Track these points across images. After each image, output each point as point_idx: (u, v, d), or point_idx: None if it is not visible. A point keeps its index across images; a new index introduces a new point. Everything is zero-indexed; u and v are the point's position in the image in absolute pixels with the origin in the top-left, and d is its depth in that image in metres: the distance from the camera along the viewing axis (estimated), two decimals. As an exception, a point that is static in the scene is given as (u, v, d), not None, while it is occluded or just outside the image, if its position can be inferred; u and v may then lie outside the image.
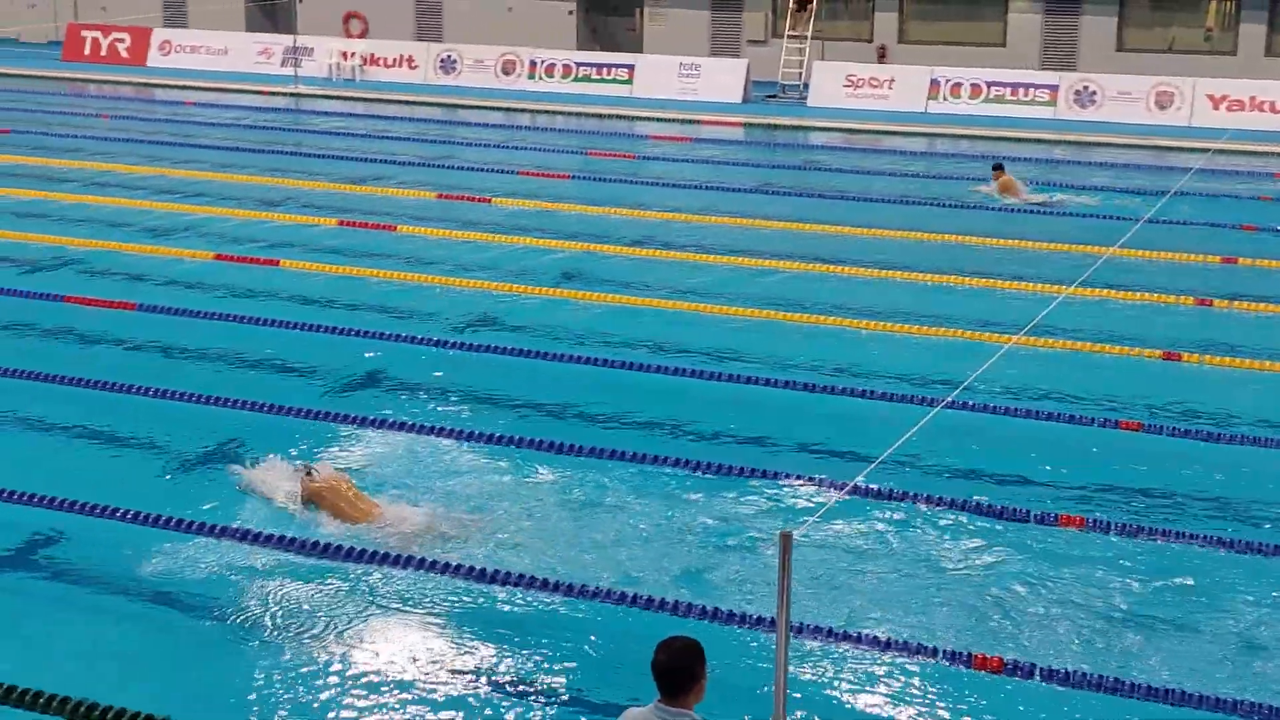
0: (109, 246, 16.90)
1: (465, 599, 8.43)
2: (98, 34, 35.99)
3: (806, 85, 31.00)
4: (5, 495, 9.59)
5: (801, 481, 10.18)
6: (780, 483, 10.18)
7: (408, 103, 30.06)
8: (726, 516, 9.67)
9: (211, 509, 9.57)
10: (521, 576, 8.56)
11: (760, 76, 32.13)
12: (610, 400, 12.08)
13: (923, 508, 9.76)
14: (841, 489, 9.91)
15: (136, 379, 11.99)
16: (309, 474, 9.68)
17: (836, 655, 7.85)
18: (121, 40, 35.72)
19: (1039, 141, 25.99)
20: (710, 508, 9.78)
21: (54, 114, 27.95)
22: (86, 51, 35.68)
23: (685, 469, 10.38)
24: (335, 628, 8.07)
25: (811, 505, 9.81)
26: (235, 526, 9.22)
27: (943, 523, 9.60)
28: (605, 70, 32.19)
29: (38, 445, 10.87)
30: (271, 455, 10.24)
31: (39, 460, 10.53)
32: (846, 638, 7.96)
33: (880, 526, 9.56)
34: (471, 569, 8.66)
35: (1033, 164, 23.66)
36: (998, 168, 20.95)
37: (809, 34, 31.58)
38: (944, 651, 7.81)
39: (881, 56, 32.68)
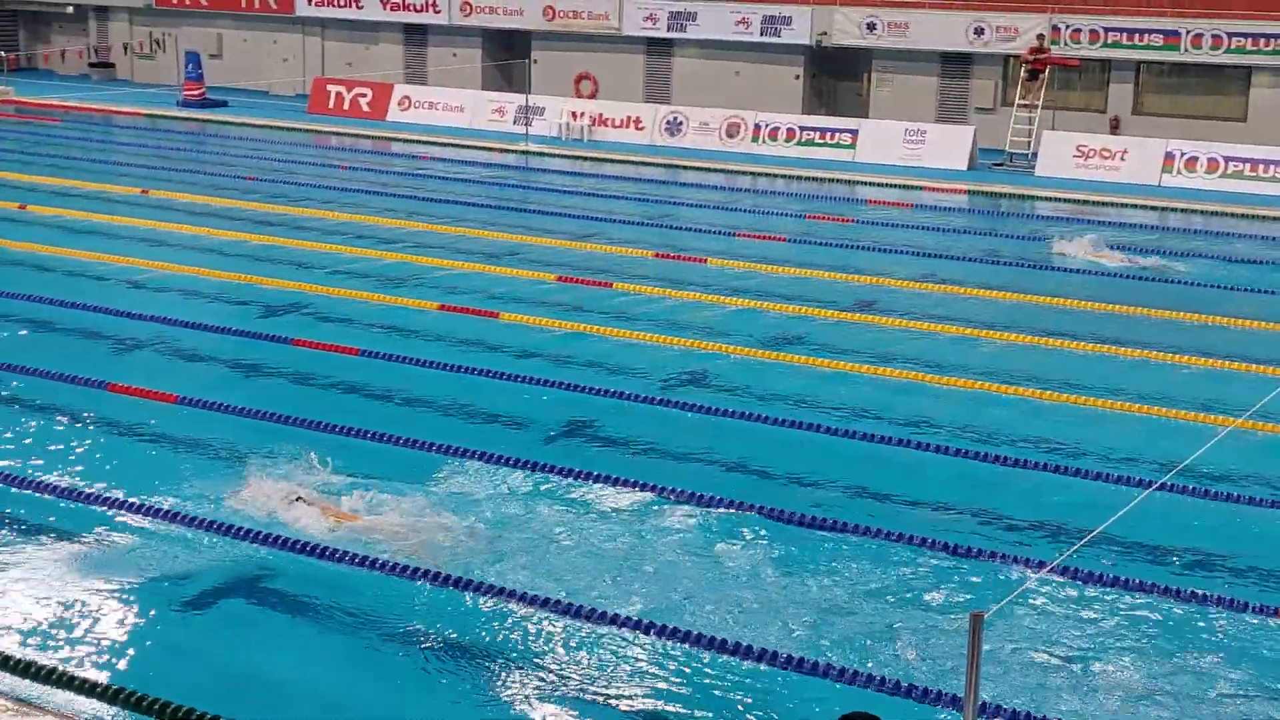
0: (339, 293, 17.56)
1: (657, 662, 8.44)
2: (342, 89, 37.61)
3: (1035, 154, 30.44)
4: (220, 527, 10.02)
5: (997, 558, 9.93)
6: (976, 558, 9.95)
7: (632, 162, 30.57)
8: (917, 589, 9.48)
9: (436, 558, 9.81)
10: (713, 640, 8.54)
11: (987, 144, 31.70)
12: (814, 465, 12.00)
13: (1124, 593, 9.41)
14: (1039, 568, 9.62)
15: (355, 422, 12.41)
16: (299, 500, 10.35)
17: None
18: (364, 95, 37.25)
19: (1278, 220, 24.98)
20: (902, 579, 9.62)
21: (297, 164, 29.25)
22: (331, 105, 37.30)
23: (880, 538, 10.24)
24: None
25: (1006, 581, 9.55)
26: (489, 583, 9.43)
27: (1145, 609, 9.23)
28: (829, 134, 32.18)
29: (257, 478, 11.28)
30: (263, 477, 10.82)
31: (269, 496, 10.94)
32: (1043, 723, 7.72)
33: (1077, 608, 9.25)
34: (665, 628, 8.69)
35: (1272, 243, 22.73)
36: None
37: (1039, 103, 31.03)
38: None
39: (1114, 128, 31.89)
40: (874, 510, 10.99)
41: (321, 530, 10.09)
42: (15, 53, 44.88)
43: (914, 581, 9.61)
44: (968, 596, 9.37)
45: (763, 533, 10.35)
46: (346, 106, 37.14)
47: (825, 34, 34.14)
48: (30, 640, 8.56)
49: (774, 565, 9.83)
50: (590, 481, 11.24)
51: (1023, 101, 31.23)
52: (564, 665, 8.40)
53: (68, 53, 44.90)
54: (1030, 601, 9.27)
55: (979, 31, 32.69)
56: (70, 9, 44.69)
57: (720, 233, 22.59)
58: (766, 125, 32.71)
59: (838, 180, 28.81)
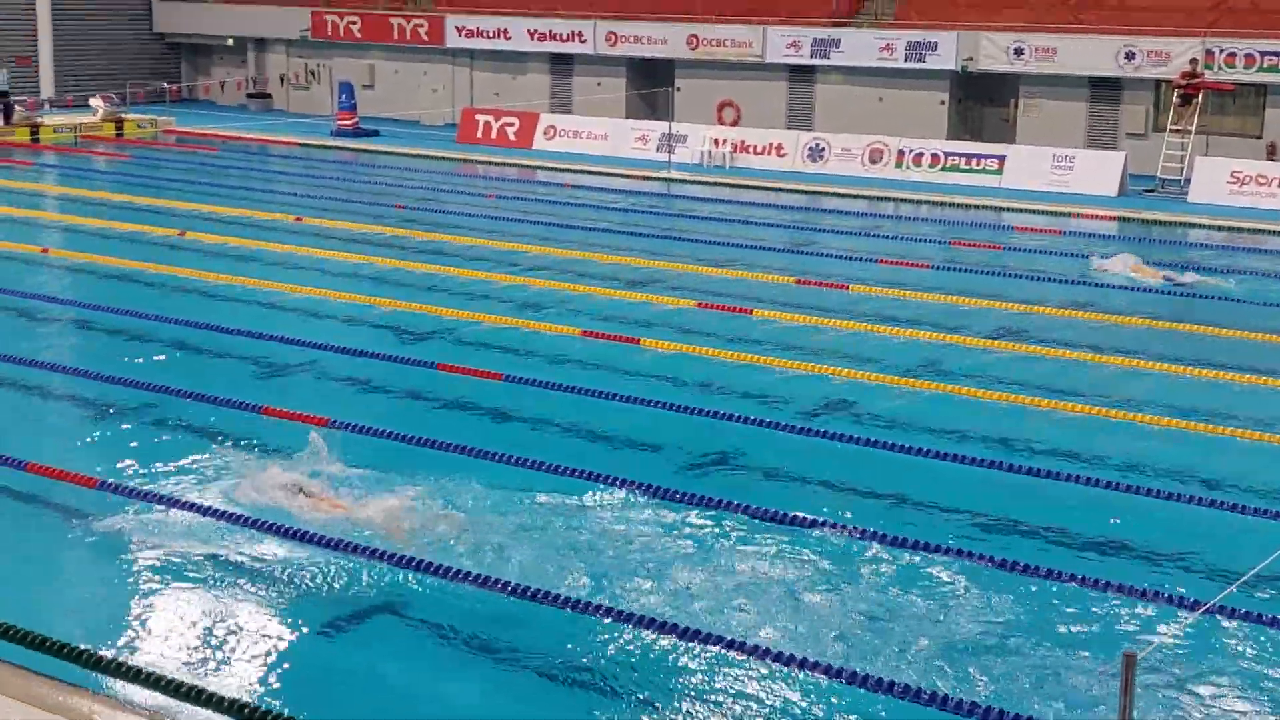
0: (485, 319, 17.84)
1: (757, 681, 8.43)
2: (489, 118, 38.25)
3: (1187, 180, 29.74)
4: (374, 553, 10.24)
5: (1149, 596, 9.70)
6: (1126, 596, 9.73)
7: (774, 189, 30.55)
8: (1064, 626, 9.30)
9: (575, 583, 9.91)
10: (855, 674, 8.49)
11: (1138, 170, 31.05)
12: (956, 495, 11.86)
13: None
14: (1194, 608, 9.38)
15: (500, 447, 12.59)
16: (303, 493, 11.03)
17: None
18: (511, 124, 37.83)
19: None
20: (1047, 615, 9.44)
21: (446, 192, 29.81)
22: (479, 134, 37.95)
23: (1025, 574, 10.06)
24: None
25: (1156, 619, 9.33)
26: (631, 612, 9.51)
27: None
28: (975, 160, 31.83)
29: (402, 503, 11.50)
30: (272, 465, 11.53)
31: (412, 520, 11.14)
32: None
33: (1234, 652, 8.99)
34: (805, 661, 8.67)
35: None
36: None
37: (1193, 128, 30.31)
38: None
39: (1271, 154, 31.00)
40: (1014, 543, 10.82)
41: (313, 518, 10.71)
42: (177, 84, 46.50)
43: (1060, 617, 9.43)
44: (1115, 632, 9.17)
45: (905, 565, 10.26)
46: (494, 135, 37.75)
47: (971, 59, 33.79)
48: (182, 658, 8.83)
49: (917, 598, 9.73)
50: (731, 510, 11.24)
51: (1175, 127, 30.54)
52: (692, 692, 8.42)
53: (227, 84, 46.39)
54: (1179, 640, 9.05)
55: (1130, 56, 32.06)
56: (230, 41, 46.18)
57: (863, 259, 22.47)
58: (910, 151, 32.47)
59: (984, 206, 28.45)
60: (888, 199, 29.73)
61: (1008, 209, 28.29)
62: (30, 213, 26.41)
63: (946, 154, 32.23)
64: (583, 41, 38.92)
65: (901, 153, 32.56)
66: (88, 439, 12.85)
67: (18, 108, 37.32)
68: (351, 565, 10.10)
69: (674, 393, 14.74)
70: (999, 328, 17.82)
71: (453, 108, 41.16)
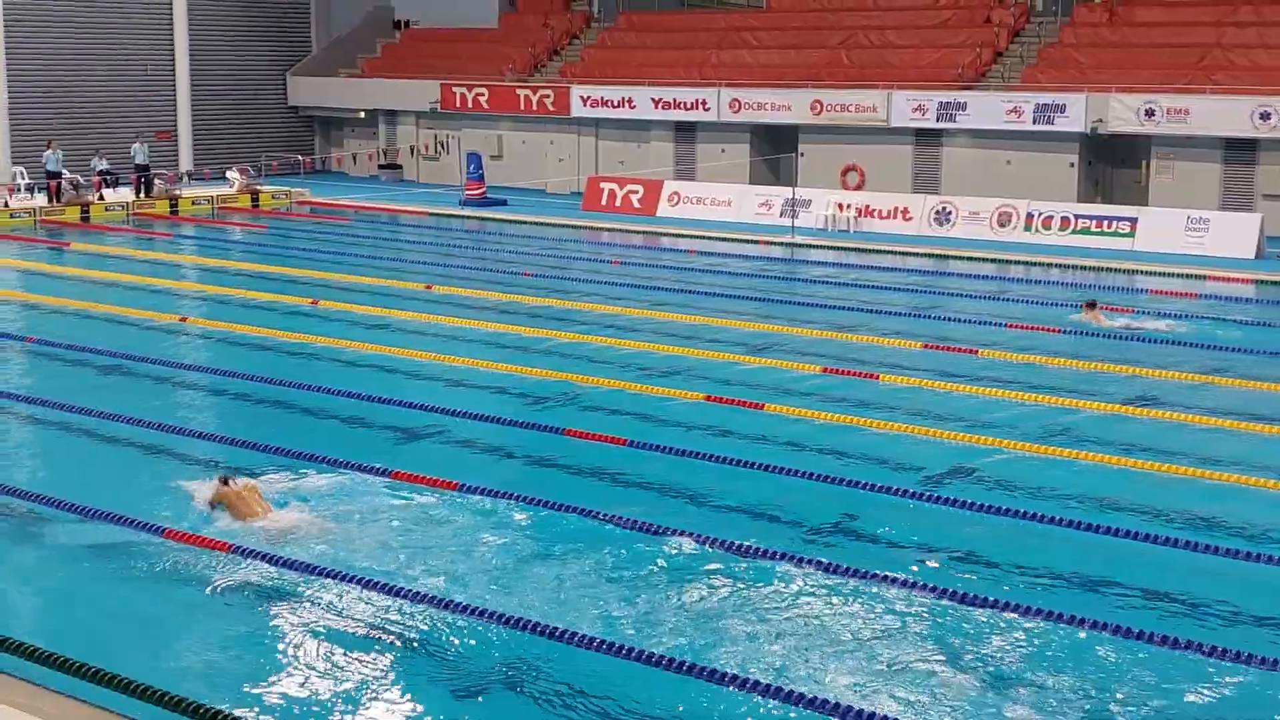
0: (609, 384, 17.93)
1: None
2: (614, 185, 38.65)
3: (1329, 241, 28.98)
4: (495, 616, 10.30)
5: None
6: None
7: (899, 253, 30.37)
8: (1218, 703, 9.01)
9: (701, 644, 9.86)
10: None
11: (1277, 232, 30.30)
12: (1088, 564, 11.59)
13: None
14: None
15: (624, 511, 12.61)
16: (225, 482, 12.61)
17: None
18: (635, 191, 38.18)
19: None
20: (1198, 692, 9.16)
21: (571, 259, 30.12)
22: (603, 201, 38.35)
23: (1167, 646, 9.78)
24: None
25: None
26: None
27: None
28: (1106, 223, 31.35)
29: (528, 567, 11.56)
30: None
31: (540, 582, 11.21)
32: None
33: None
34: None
35: None
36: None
37: (1333, 187, 29.57)
38: None
39: None
40: (1148, 617, 10.52)
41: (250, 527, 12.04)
42: (311, 156, 47.76)
43: (1213, 691, 9.14)
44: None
45: (1035, 636, 10.04)
46: (618, 203, 38.12)
47: (1101, 121, 33.36)
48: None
49: (1049, 673, 9.50)
50: (854, 577, 11.11)
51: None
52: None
53: (359, 155, 47.55)
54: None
55: (1265, 116, 31.39)
56: (362, 114, 47.36)
57: (991, 323, 22.19)
58: (1040, 214, 32.10)
59: (1115, 269, 27.96)
60: (1017, 262, 29.37)
61: (1141, 272, 27.76)
62: (169, 282, 27.23)
63: (1077, 216, 31.78)
64: (706, 109, 39.21)
65: (1030, 215, 32.20)
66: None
67: (158, 181, 38.59)
68: (473, 629, 10.17)
69: (798, 458, 14.65)
70: (1134, 394, 17.44)
71: (578, 176, 41.68)
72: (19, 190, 37.03)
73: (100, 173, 37.67)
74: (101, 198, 37.01)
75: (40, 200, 36.25)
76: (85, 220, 35.60)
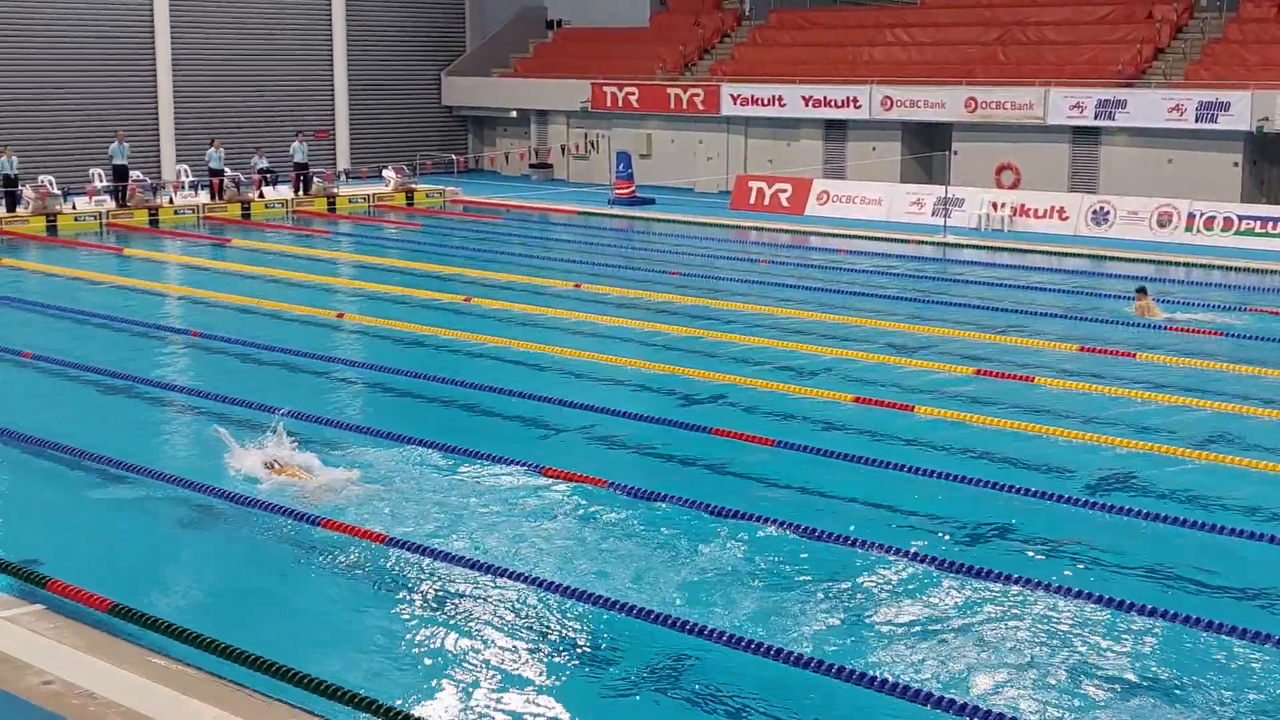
0: (756, 384, 17.89)
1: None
2: (763, 184, 38.55)
3: None
4: (638, 612, 10.35)
5: None
6: None
7: (1055, 253, 29.78)
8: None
9: (850, 647, 9.81)
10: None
11: None
12: (1249, 575, 11.24)
13: None
14: None
15: (770, 512, 12.57)
16: (273, 467, 13.64)
17: None
18: (784, 190, 38.04)
19: None
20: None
21: (719, 258, 30.11)
22: (751, 200, 38.27)
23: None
24: None
25: None
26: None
27: None
28: (1272, 224, 30.39)
29: (675, 566, 11.60)
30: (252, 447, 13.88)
31: (687, 581, 11.24)
32: None
33: None
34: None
35: None
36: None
37: None
38: None
39: None
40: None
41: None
42: (464, 155, 48.49)
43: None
44: None
45: (1189, 647, 9.77)
46: (767, 202, 38.01)
47: (1266, 119, 32.31)
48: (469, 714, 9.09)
49: (1204, 685, 9.24)
50: (1007, 583, 10.93)
51: None
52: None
53: (510, 154, 48.15)
54: None
55: None
56: (514, 114, 47.95)
57: (1150, 326, 21.63)
58: (1202, 214, 31.23)
59: (1281, 272, 27.09)
60: (1177, 264, 28.61)
61: (1308, 274, 26.87)
62: (327, 279, 27.87)
63: (1241, 217, 30.86)
64: (857, 107, 38.88)
65: (1192, 216, 31.34)
66: (379, 499, 13.39)
67: (316, 179, 39.54)
68: (620, 626, 10.24)
69: (949, 461, 14.45)
70: (1299, 399, 16.89)
71: (726, 175, 41.66)
72: (183, 188, 38.24)
73: (261, 171, 38.72)
74: (261, 195, 38.03)
75: (203, 197, 37.39)
76: (246, 217, 36.64)
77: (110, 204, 35.43)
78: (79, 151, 39.59)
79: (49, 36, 40.08)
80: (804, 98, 39.84)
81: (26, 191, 34.40)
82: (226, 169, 37.39)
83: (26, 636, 9.85)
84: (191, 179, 38.64)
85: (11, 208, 34.00)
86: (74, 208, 34.95)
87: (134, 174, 36.55)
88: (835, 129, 40.04)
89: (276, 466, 13.79)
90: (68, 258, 30.06)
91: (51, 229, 33.79)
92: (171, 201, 36.80)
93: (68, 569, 11.11)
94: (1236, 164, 33.29)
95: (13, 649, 9.60)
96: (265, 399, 16.55)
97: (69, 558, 11.78)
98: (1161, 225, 31.67)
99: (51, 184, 35.26)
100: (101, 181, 36.66)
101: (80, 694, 8.86)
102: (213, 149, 37.14)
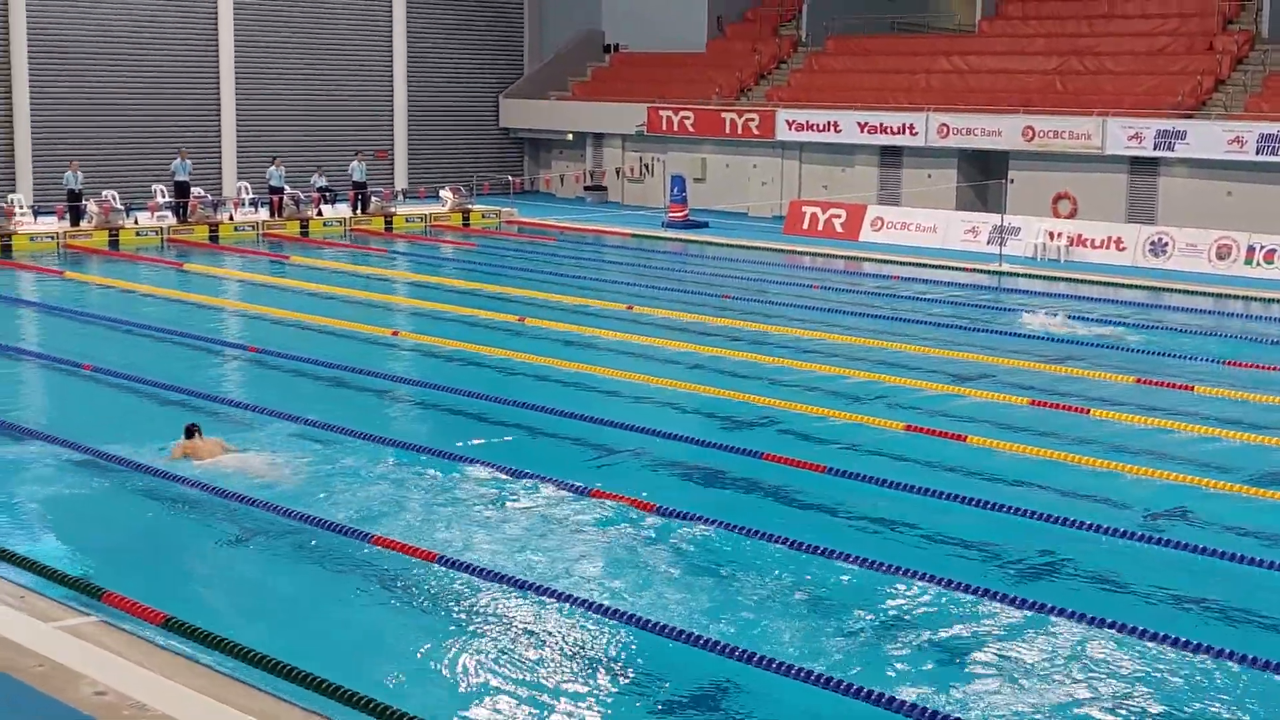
0: (808, 410, 17.84)
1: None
2: (817, 209, 38.51)
3: None
4: (681, 635, 10.34)
5: None
6: None
7: (1111, 284, 29.56)
8: None
9: (901, 678, 9.76)
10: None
11: None
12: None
13: None
14: None
15: (819, 540, 12.53)
16: (190, 436, 14.76)
17: None
18: (838, 216, 37.97)
19: None
20: None
21: (772, 283, 30.08)
22: (805, 225, 38.24)
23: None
24: None
25: None
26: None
27: None
28: (1333, 257, 30.02)
29: (718, 593, 11.58)
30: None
31: (731, 605, 11.23)
32: None
33: None
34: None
35: None
36: None
37: None
38: None
39: None
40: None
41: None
42: (520, 177, 48.75)
43: None
44: None
45: (1246, 686, 9.64)
46: (820, 227, 37.96)
47: (1330, 151, 31.98)
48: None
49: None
50: (1060, 616, 10.84)
51: None
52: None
53: (565, 177, 48.36)
54: None
55: None
56: (570, 136, 48.19)
57: (1208, 360, 21.43)
58: (1262, 247, 30.93)
59: (1342, 306, 26.76)
60: (1237, 296, 28.32)
61: (1370, 309, 26.51)
62: (383, 296, 28.08)
63: (1302, 251, 30.51)
64: (914, 134, 38.81)
65: (1252, 249, 31.04)
66: (432, 514, 13.46)
67: (374, 199, 39.86)
68: (667, 651, 10.24)
69: (1002, 492, 14.35)
70: (1360, 436, 16.66)
71: (781, 200, 41.66)
72: (244, 204, 38.67)
73: (320, 189, 39.09)
74: (320, 213, 38.38)
75: (263, 214, 37.78)
76: (304, 235, 36.98)
77: (171, 219, 35.89)
78: (142, 168, 40.15)
79: (116, 55, 40.71)
80: (859, 124, 39.80)
81: (90, 206, 34.92)
82: (286, 187, 37.77)
83: (83, 647, 9.96)
84: (252, 196, 39.06)
85: (75, 222, 34.51)
86: (136, 223, 35.41)
87: (195, 190, 37.01)
88: (891, 155, 39.97)
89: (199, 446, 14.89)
90: (129, 272, 30.47)
91: (114, 243, 34.26)
92: (232, 218, 37.21)
93: (123, 581, 11.23)
94: (1297, 197, 32.95)
95: (69, 659, 9.70)
96: (318, 415, 16.70)
97: (123, 569, 11.92)
98: (1220, 258, 31.37)
99: (115, 199, 35.77)
100: (164, 197, 37.16)
101: (132, 705, 8.94)
102: (274, 167, 37.53)
